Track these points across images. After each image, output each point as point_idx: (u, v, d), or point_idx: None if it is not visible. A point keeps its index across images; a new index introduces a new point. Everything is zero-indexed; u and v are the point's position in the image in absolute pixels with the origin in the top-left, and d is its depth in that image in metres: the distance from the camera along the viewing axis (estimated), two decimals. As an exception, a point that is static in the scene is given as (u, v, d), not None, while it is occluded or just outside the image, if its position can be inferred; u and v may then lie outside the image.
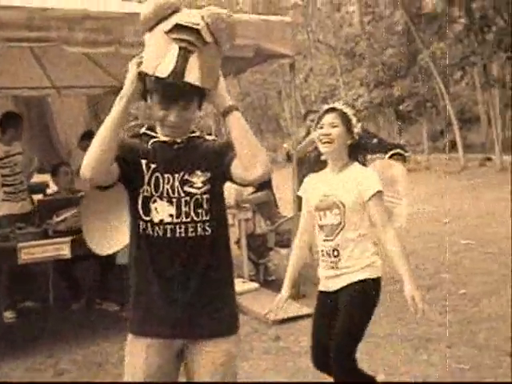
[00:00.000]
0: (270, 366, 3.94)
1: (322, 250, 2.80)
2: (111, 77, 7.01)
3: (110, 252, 4.50)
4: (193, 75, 1.81)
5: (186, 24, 1.79)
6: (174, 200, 1.96)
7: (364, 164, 2.88)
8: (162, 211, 1.96)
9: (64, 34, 4.08)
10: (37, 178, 7.02)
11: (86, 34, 4.13)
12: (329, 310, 2.81)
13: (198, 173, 1.98)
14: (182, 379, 2.11)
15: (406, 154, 16.42)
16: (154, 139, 2.00)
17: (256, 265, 6.09)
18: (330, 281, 2.80)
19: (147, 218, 1.96)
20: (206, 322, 2.01)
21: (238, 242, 5.82)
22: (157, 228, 1.96)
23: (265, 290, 5.34)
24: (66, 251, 4.47)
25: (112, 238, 4.39)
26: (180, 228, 1.96)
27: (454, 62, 20.46)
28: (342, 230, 2.72)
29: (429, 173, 19.51)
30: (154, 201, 1.96)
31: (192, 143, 2.02)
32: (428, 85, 22.99)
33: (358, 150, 2.85)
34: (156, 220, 1.95)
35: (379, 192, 2.70)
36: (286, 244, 5.80)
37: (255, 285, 5.48)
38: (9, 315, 5.16)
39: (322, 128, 2.77)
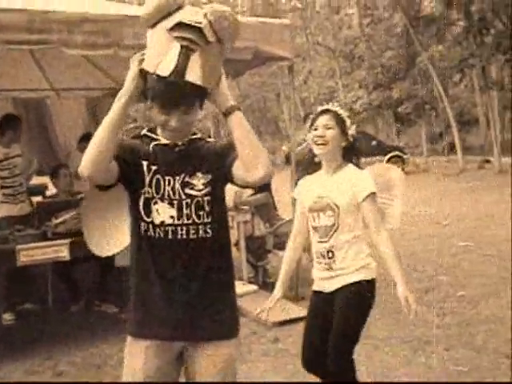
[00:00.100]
0: (268, 368, 3.94)
1: (317, 252, 2.81)
2: (110, 79, 7.02)
3: (111, 253, 4.50)
4: (194, 74, 1.79)
5: (189, 22, 1.76)
6: (175, 202, 1.95)
7: (358, 166, 2.88)
8: (163, 213, 1.95)
9: (64, 36, 4.09)
10: (36, 180, 7.02)
11: (85, 36, 4.14)
12: (323, 310, 2.81)
13: (199, 175, 1.97)
14: (182, 380, 2.11)
15: (405, 156, 16.76)
16: (155, 142, 1.99)
17: (255, 267, 6.10)
18: (325, 282, 2.80)
19: (148, 220, 1.95)
20: (207, 325, 2.00)
21: (236, 244, 5.83)
22: (158, 229, 1.95)
23: (263, 292, 5.34)
24: (64, 253, 4.47)
25: (112, 238, 4.40)
26: (181, 230, 1.95)
27: (452, 65, 20.49)
28: (336, 231, 2.72)
29: (427, 175, 19.53)
30: (155, 202, 1.95)
31: (193, 145, 2.00)
32: (427, 87, 23.06)
33: (353, 152, 2.85)
34: (157, 222, 1.95)
35: (373, 193, 2.70)
36: (285, 246, 5.80)
37: (254, 287, 5.48)
38: (8, 317, 5.16)
39: (316, 130, 2.77)
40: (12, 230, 4.75)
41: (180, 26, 1.77)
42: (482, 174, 17.90)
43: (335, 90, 30.84)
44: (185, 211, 1.95)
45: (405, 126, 28.85)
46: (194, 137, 2.03)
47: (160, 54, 1.78)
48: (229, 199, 5.47)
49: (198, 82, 1.80)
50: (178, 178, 1.96)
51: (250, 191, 6.02)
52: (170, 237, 1.95)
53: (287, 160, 8.51)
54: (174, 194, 1.96)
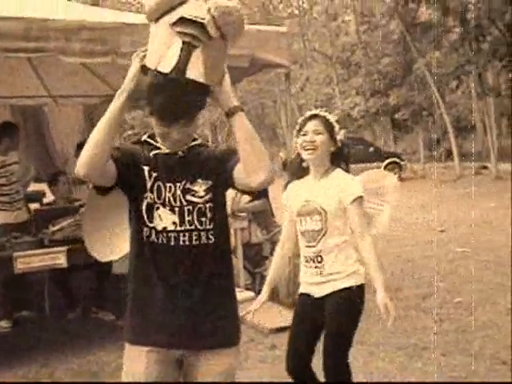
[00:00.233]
0: (265, 375, 3.94)
1: (306, 256, 2.80)
2: (108, 86, 7.03)
3: (112, 258, 4.49)
4: (195, 71, 1.75)
5: (191, 17, 1.71)
6: (177, 209, 1.94)
7: (347, 171, 2.87)
8: (165, 219, 1.94)
9: (61, 44, 4.10)
10: (33, 187, 7.02)
11: (82, 44, 4.15)
12: (311, 315, 2.80)
13: (200, 181, 1.97)
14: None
15: (402, 163, 16.76)
16: (156, 151, 1.97)
17: (252, 274, 6.10)
18: (315, 287, 2.79)
19: (151, 225, 1.94)
20: (209, 332, 1.98)
21: (233, 251, 5.84)
22: (160, 235, 1.94)
23: (261, 298, 5.34)
24: (62, 260, 4.47)
25: (113, 245, 4.38)
26: (184, 236, 1.94)
27: (449, 71, 20.58)
28: (324, 235, 2.71)
29: (425, 181, 19.57)
30: (157, 208, 1.94)
31: (193, 152, 1.99)
32: (424, 93, 23.12)
33: (341, 157, 2.85)
34: (159, 227, 1.94)
35: (360, 198, 2.70)
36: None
37: (251, 294, 5.48)
38: (4, 324, 5.15)
39: (305, 135, 2.76)
40: (9, 238, 4.74)
41: (182, 21, 1.72)
42: (479, 180, 17.92)
43: (332, 96, 30.91)
44: (187, 218, 1.94)
45: (402, 132, 28.95)
46: (194, 143, 2.01)
47: (161, 50, 1.74)
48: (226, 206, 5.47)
49: (200, 80, 1.77)
50: (178, 184, 1.95)
51: (247, 198, 6.03)
52: (172, 243, 1.94)
53: (284, 166, 8.53)
54: (175, 200, 1.94)
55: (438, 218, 10.70)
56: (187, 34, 1.71)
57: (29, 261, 4.39)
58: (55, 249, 4.53)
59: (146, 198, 1.94)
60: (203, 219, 1.95)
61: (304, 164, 2.84)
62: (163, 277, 1.95)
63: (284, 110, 25.61)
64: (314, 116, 2.81)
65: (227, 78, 1.87)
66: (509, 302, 5.14)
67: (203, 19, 1.70)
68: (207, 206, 1.96)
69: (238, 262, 5.76)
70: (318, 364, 2.79)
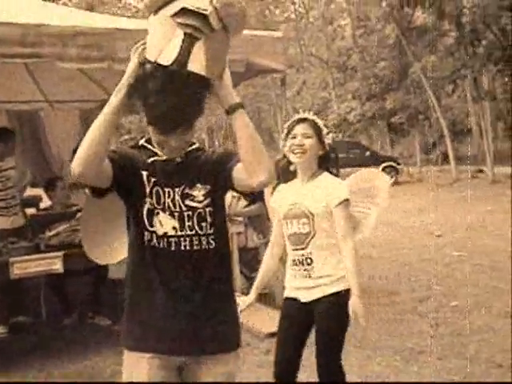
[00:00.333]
0: (262, 380, 3.94)
1: (294, 260, 2.78)
2: (104, 91, 7.04)
3: (111, 262, 4.49)
4: (197, 64, 1.70)
5: (193, 8, 1.64)
6: (176, 214, 1.93)
7: (337, 175, 2.87)
8: (165, 224, 1.92)
9: (57, 50, 4.10)
10: (30, 192, 7.02)
11: (79, 50, 4.15)
12: (298, 320, 2.79)
13: (199, 186, 1.95)
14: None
15: (399, 167, 16.78)
16: (154, 158, 1.95)
17: (248, 278, 6.09)
18: (303, 291, 2.77)
19: (152, 229, 1.93)
20: (210, 337, 1.96)
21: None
22: (161, 240, 1.93)
23: (257, 303, 5.34)
24: (58, 266, 4.46)
25: (112, 247, 4.37)
26: (184, 241, 1.93)
27: (445, 75, 20.67)
28: (312, 238, 2.71)
29: (421, 185, 19.61)
30: (157, 213, 1.93)
31: (191, 156, 1.98)
32: (420, 97, 23.21)
33: (329, 161, 2.85)
34: (160, 233, 1.92)
35: (346, 201, 2.70)
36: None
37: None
38: (0, 330, 5.13)
39: (294, 138, 2.75)
40: (5, 243, 4.74)
41: (184, 12, 1.65)
42: (475, 183, 17.97)
43: (329, 100, 31.01)
44: (187, 223, 1.93)
45: (398, 136, 29.02)
46: (192, 148, 2.00)
47: (162, 42, 1.69)
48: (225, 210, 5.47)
49: (202, 73, 1.72)
50: (177, 189, 1.94)
51: (244, 203, 6.03)
52: (173, 248, 1.93)
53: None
54: (174, 205, 1.93)
55: (435, 222, 10.73)
56: (189, 26, 1.66)
57: (25, 266, 4.39)
58: (51, 254, 4.53)
59: (146, 203, 1.92)
60: (203, 224, 1.94)
61: (291, 167, 2.83)
62: (164, 281, 1.93)
63: (280, 114, 25.68)
64: (303, 119, 2.80)
65: (228, 73, 1.84)
66: (504, 306, 5.15)
67: (205, 10, 1.65)
68: (207, 210, 1.95)
69: (235, 266, 5.76)
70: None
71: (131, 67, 1.79)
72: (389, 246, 8.69)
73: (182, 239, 1.92)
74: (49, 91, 7.21)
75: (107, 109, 1.77)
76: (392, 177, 20.40)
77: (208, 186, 1.95)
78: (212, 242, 1.95)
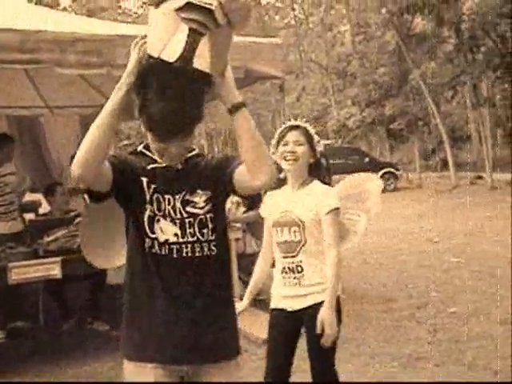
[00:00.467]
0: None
1: (284, 267, 2.75)
2: (104, 97, 7.06)
3: (111, 266, 4.49)
4: (202, 61, 1.65)
5: (198, 3, 1.59)
6: (178, 221, 1.91)
7: (329, 183, 2.87)
8: (166, 231, 1.90)
9: (56, 56, 4.12)
10: (29, 197, 7.03)
11: (77, 56, 4.17)
12: (286, 329, 2.77)
13: (199, 192, 1.93)
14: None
15: (398, 173, 16.80)
16: (153, 165, 1.93)
17: (246, 284, 6.07)
18: (292, 300, 2.74)
19: (153, 236, 1.90)
20: (211, 344, 1.94)
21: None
22: (163, 247, 1.91)
23: (255, 309, 5.34)
24: (56, 271, 4.47)
25: (112, 252, 4.38)
26: (186, 248, 1.91)
27: (444, 82, 20.73)
28: (303, 246, 2.69)
29: (421, 191, 19.63)
30: (158, 220, 1.90)
31: (191, 162, 1.96)
32: (419, 104, 23.27)
33: (319, 169, 2.84)
34: (161, 239, 1.90)
35: (336, 209, 2.69)
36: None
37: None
38: (-2, 335, 5.14)
39: (286, 145, 2.74)
40: (3, 248, 4.74)
41: (189, 6, 1.59)
42: (474, 189, 18.00)
43: (328, 106, 31.07)
44: (188, 230, 1.91)
45: (398, 142, 29.08)
46: (192, 154, 1.98)
47: (165, 37, 1.63)
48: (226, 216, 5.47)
49: (206, 70, 1.68)
50: (177, 196, 1.92)
51: (243, 209, 6.04)
52: (175, 255, 1.91)
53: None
54: (175, 212, 1.91)
55: (434, 228, 10.74)
56: (194, 21, 1.60)
57: (23, 271, 4.39)
58: (50, 259, 4.53)
59: (146, 209, 1.90)
60: (205, 230, 1.93)
61: (281, 174, 2.81)
62: (166, 288, 1.91)
63: (279, 120, 25.73)
64: (295, 127, 2.79)
65: (230, 71, 1.80)
66: (503, 313, 5.15)
67: (211, 5, 1.59)
68: (208, 216, 1.93)
69: (233, 272, 5.76)
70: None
71: (131, 63, 1.75)
72: (387, 253, 8.69)
73: (183, 246, 1.91)
74: (49, 97, 7.23)
75: (106, 109, 1.73)
76: (391, 183, 20.46)
77: (208, 192, 1.94)
78: (213, 248, 1.94)
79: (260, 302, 5.85)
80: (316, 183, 2.79)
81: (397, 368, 4.10)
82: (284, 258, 2.75)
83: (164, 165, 1.92)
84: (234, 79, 1.83)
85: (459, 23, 17.84)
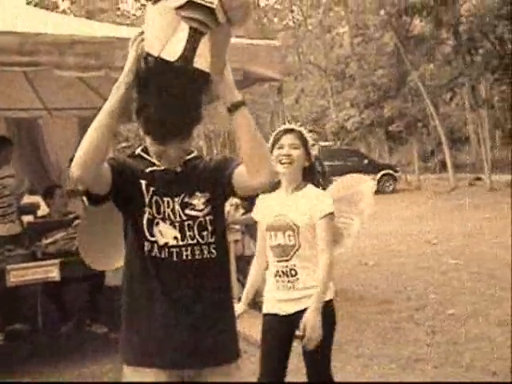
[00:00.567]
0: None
1: (278, 271, 2.73)
2: (103, 98, 7.06)
3: (108, 268, 4.48)
4: (203, 60, 1.63)
5: (200, 1, 1.55)
6: (177, 224, 1.90)
7: (323, 187, 2.86)
8: (166, 234, 1.89)
9: (55, 58, 4.13)
10: (27, 199, 7.03)
11: (76, 58, 4.17)
12: (280, 333, 2.74)
13: (198, 194, 1.93)
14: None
15: (397, 174, 16.81)
16: (152, 168, 1.92)
17: (245, 286, 6.09)
18: (285, 304, 2.71)
19: (153, 239, 1.89)
20: (212, 348, 1.93)
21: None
22: (162, 250, 1.89)
23: (253, 311, 5.34)
24: (54, 273, 4.47)
25: (111, 255, 4.38)
26: (186, 251, 1.90)
27: (442, 83, 20.76)
28: (297, 250, 2.68)
29: (420, 193, 19.64)
30: (157, 223, 1.89)
31: (190, 165, 1.96)
32: (418, 105, 23.30)
33: (313, 173, 2.83)
34: (161, 243, 1.89)
35: (330, 214, 2.68)
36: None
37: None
38: (-3, 338, 5.14)
39: (281, 148, 2.72)
40: (2, 250, 4.74)
41: (190, 5, 1.55)
42: (472, 191, 18.03)
43: (327, 108, 31.09)
44: (188, 232, 1.90)
45: (396, 144, 29.09)
46: (190, 156, 1.97)
47: (165, 36, 1.60)
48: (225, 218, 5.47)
49: (207, 69, 1.66)
50: (176, 199, 1.91)
51: (241, 210, 6.05)
52: (175, 258, 1.89)
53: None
54: (174, 215, 1.90)
55: (432, 230, 10.75)
56: (195, 20, 1.57)
57: (21, 274, 4.39)
58: (48, 262, 4.53)
59: (145, 212, 1.89)
60: (204, 233, 1.92)
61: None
62: (166, 292, 1.89)
63: (278, 122, 25.76)
64: (290, 130, 2.78)
65: (229, 69, 1.77)
66: (501, 314, 5.15)
67: (212, 3, 1.56)
68: (207, 219, 1.92)
69: (232, 274, 5.76)
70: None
71: (130, 61, 1.72)
72: (386, 254, 8.70)
73: (183, 249, 1.89)
74: (47, 99, 7.24)
75: (105, 110, 1.71)
76: (390, 185, 20.48)
77: (207, 194, 1.93)
78: (213, 250, 1.93)
79: (258, 303, 5.88)
80: (310, 187, 2.77)
81: (395, 370, 4.10)
82: (278, 261, 2.73)
83: (163, 167, 1.92)
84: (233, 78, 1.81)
85: (457, 25, 17.88)
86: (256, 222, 6.03)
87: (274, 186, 2.79)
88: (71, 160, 4.69)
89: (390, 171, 20.77)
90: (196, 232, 1.91)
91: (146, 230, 1.89)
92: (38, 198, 6.68)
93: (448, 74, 20.18)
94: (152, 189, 1.90)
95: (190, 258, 1.90)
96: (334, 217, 2.74)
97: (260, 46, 5.00)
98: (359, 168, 19.51)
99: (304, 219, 2.68)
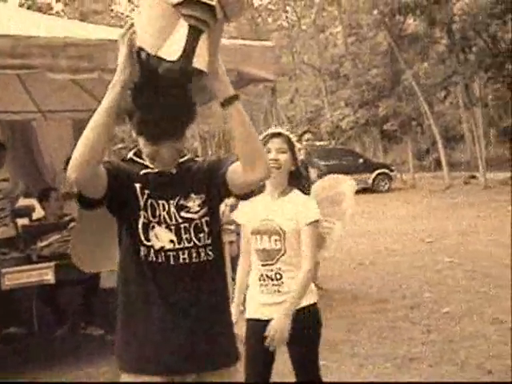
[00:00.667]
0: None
1: (262, 275, 2.70)
2: (97, 100, 7.06)
3: (95, 270, 4.48)
4: (202, 60, 1.58)
5: None
6: (173, 227, 1.88)
7: (307, 192, 2.85)
8: (162, 238, 1.87)
9: (48, 61, 4.12)
10: (22, 202, 7.01)
11: (69, 61, 4.16)
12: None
13: (193, 196, 1.91)
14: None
15: (392, 173, 16.88)
16: (146, 170, 1.91)
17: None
18: (268, 308, 2.66)
19: (148, 243, 1.87)
20: (210, 351, 1.91)
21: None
22: (159, 255, 1.87)
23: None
24: (49, 276, 4.46)
25: (100, 257, 4.37)
26: (183, 254, 1.88)
27: (436, 82, 20.81)
28: (283, 255, 2.66)
29: (415, 191, 19.68)
30: (153, 227, 1.87)
31: (184, 167, 1.94)
32: (412, 104, 23.34)
33: (299, 178, 2.81)
34: (157, 247, 1.87)
35: (316, 221, 2.67)
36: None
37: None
38: (-8, 341, 5.12)
39: (268, 152, 2.68)
40: (-4, 254, 4.74)
41: (189, 2, 1.50)
42: (467, 189, 18.09)
43: (321, 108, 31.12)
44: (184, 235, 1.88)
45: (391, 143, 29.17)
46: (184, 159, 1.96)
47: (162, 34, 1.54)
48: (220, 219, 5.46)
49: (204, 69, 1.61)
50: (172, 201, 1.90)
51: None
52: (172, 262, 1.87)
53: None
54: (170, 218, 1.88)
55: (427, 228, 10.77)
56: (194, 17, 1.52)
57: (16, 277, 4.38)
58: (43, 265, 4.52)
59: (140, 216, 1.87)
60: (201, 235, 1.90)
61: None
62: (163, 295, 1.87)
63: (273, 122, 25.74)
64: (278, 134, 2.76)
65: (222, 65, 1.73)
66: (496, 312, 5.17)
67: (212, 0, 1.52)
68: (203, 220, 1.91)
69: (228, 276, 5.76)
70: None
71: (123, 57, 1.68)
72: (381, 253, 8.72)
73: (180, 252, 1.87)
74: (41, 101, 7.22)
75: (101, 109, 1.68)
76: (385, 184, 20.52)
77: (202, 196, 1.92)
78: (210, 252, 1.91)
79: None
80: (296, 193, 2.76)
81: (390, 369, 4.11)
82: (262, 265, 2.71)
83: (157, 170, 1.90)
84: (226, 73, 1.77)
85: (451, 24, 17.94)
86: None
87: (259, 189, 2.75)
88: (66, 162, 4.68)
89: (385, 170, 20.80)
90: (192, 234, 1.89)
91: (141, 235, 1.87)
92: (33, 201, 6.66)
93: (442, 73, 20.23)
94: (147, 192, 1.88)
95: (187, 261, 1.88)
96: (319, 224, 2.73)
97: (254, 47, 5.00)
98: (354, 167, 19.57)
99: (290, 224, 2.66)
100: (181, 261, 1.88)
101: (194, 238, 1.89)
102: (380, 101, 24.40)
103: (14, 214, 5.89)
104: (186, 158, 1.98)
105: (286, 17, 35.50)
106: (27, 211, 6.93)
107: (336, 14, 30.41)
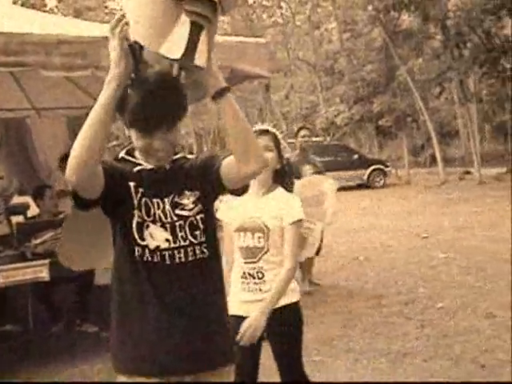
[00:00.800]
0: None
1: (244, 272, 2.69)
2: (91, 97, 7.04)
3: (83, 268, 4.48)
4: (202, 57, 1.56)
5: None
6: (168, 225, 1.86)
7: (290, 190, 2.85)
8: (157, 237, 1.85)
9: (41, 58, 4.10)
10: (17, 200, 7.00)
11: (62, 58, 4.15)
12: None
13: (187, 193, 1.89)
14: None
15: (387, 169, 16.93)
16: (139, 167, 1.89)
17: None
18: (253, 305, 2.63)
19: (143, 243, 1.84)
20: (206, 351, 1.89)
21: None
22: (154, 254, 1.85)
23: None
24: (44, 274, 4.45)
25: (90, 256, 4.37)
26: (179, 253, 1.86)
27: (431, 78, 20.84)
28: (266, 253, 2.66)
29: (410, 187, 19.71)
30: (147, 226, 1.85)
31: (177, 164, 1.93)
32: (407, 100, 23.37)
33: (284, 175, 2.80)
34: (152, 246, 1.84)
35: (299, 221, 2.67)
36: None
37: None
38: (-13, 339, 5.12)
39: None
40: (-10, 251, 4.73)
41: None
42: (462, 185, 18.14)
43: (316, 104, 31.13)
44: (179, 233, 1.86)
45: (386, 139, 29.21)
46: (177, 157, 1.94)
47: (163, 30, 1.50)
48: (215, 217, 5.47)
49: (204, 66, 1.59)
50: (166, 199, 1.88)
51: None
52: (167, 261, 1.85)
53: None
54: (165, 216, 1.86)
55: (422, 224, 10.80)
56: (196, 14, 1.48)
57: (11, 274, 4.37)
58: (38, 262, 4.51)
59: (134, 215, 1.84)
60: (197, 232, 1.88)
61: None
62: (158, 295, 1.85)
63: (268, 118, 25.77)
64: (265, 131, 2.75)
65: (213, 57, 1.70)
66: (490, 307, 5.20)
67: None
68: (198, 217, 1.89)
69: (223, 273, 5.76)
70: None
71: (117, 51, 1.63)
72: (376, 249, 8.73)
73: (175, 251, 1.85)
74: (35, 98, 7.20)
75: (98, 105, 1.65)
76: (380, 179, 20.55)
77: (197, 192, 1.90)
78: (205, 250, 1.89)
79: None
80: (281, 191, 2.76)
81: (385, 364, 4.14)
82: (245, 263, 2.70)
83: (150, 167, 1.89)
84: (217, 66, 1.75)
85: (445, 20, 17.95)
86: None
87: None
88: (60, 159, 4.64)
89: (380, 166, 20.81)
90: (188, 232, 1.87)
91: (135, 234, 1.85)
92: (27, 199, 6.65)
93: (436, 69, 20.24)
94: (141, 190, 1.86)
95: (183, 260, 1.86)
96: (302, 224, 2.73)
97: (248, 44, 4.99)
98: (349, 163, 19.60)
99: (275, 222, 2.66)
100: (176, 260, 1.86)
101: (189, 236, 1.87)
102: (375, 97, 24.43)
103: (8, 212, 5.88)
104: (179, 155, 1.96)
105: (281, 13, 35.45)
106: (22, 209, 6.92)
107: (331, 10, 30.40)
